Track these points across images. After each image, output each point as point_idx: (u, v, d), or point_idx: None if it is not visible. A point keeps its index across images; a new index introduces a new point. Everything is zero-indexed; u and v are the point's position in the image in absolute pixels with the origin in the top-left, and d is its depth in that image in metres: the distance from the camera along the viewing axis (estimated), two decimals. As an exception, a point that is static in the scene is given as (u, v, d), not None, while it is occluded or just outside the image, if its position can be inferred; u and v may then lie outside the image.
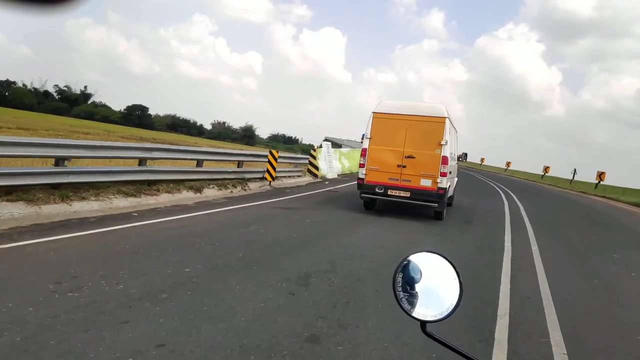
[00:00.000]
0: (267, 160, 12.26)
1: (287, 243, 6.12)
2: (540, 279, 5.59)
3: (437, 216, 9.23)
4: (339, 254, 5.71)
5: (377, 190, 8.85)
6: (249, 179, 11.99)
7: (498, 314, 4.12)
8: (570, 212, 16.41)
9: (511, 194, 19.53)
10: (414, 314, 0.96)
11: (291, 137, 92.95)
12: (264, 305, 3.75)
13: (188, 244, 5.51)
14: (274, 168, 12.26)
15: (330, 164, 16.82)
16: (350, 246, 6.26)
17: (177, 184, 9.54)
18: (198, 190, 9.78)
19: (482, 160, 57.24)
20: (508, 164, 49.82)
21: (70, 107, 79.87)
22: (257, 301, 3.83)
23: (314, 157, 15.61)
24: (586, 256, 7.95)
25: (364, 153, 8.97)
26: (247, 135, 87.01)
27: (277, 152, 12.42)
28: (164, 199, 8.66)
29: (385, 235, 7.49)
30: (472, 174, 36.18)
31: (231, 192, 10.71)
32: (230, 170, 11.36)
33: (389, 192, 8.77)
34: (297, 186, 13.31)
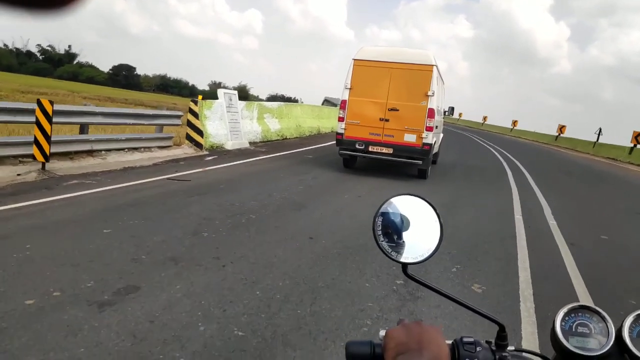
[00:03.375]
0: (34, 120, 5.83)
1: None
2: None
3: (421, 174, 8.28)
4: None
5: (357, 146, 7.86)
6: (-14, 160, 5.61)
7: None
8: None
9: (523, 170, 12.95)
10: (394, 257, 0.80)
11: (290, 98, 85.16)
12: None
13: None
14: (47, 136, 5.83)
15: (235, 124, 10.17)
16: None
17: None
18: None
19: (485, 118, 49.61)
20: (514, 123, 42.36)
21: (53, 68, 73.88)
22: None
23: (195, 115, 9.00)
24: None
25: (343, 105, 7.85)
26: (241, 96, 79.75)
27: (52, 104, 5.89)
28: None
29: None
30: (469, 135, 29.17)
31: None
32: None
33: (370, 148, 7.81)
34: (124, 169, 6.86)
